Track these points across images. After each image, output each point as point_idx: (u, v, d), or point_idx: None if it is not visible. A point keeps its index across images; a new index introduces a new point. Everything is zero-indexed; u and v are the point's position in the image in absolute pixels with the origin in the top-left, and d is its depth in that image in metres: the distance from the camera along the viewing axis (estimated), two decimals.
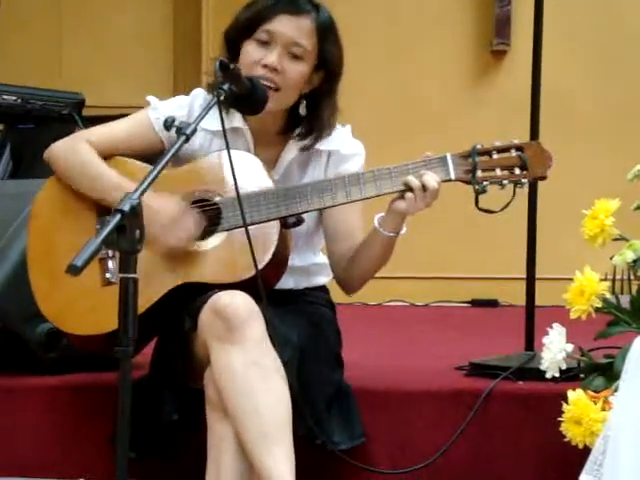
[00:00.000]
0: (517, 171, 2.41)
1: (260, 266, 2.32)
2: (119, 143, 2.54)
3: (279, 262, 2.43)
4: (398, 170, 2.41)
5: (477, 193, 2.39)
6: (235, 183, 2.28)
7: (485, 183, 2.39)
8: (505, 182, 2.40)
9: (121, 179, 2.46)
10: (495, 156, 2.41)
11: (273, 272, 2.42)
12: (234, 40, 2.51)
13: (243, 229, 2.32)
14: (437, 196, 2.39)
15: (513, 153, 2.41)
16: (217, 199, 2.44)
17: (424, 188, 2.38)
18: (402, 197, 2.40)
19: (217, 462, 2.30)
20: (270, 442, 2.24)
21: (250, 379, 2.26)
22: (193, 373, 2.38)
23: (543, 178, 2.45)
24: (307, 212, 2.45)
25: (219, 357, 2.28)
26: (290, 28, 2.46)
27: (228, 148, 2.28)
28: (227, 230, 2.42)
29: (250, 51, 2.47)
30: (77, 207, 2.53)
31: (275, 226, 2.40)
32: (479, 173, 2.39)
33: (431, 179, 2.38)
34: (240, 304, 2.30)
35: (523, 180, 2.40)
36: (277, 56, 2.45)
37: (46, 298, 2.50)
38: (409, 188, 2.39)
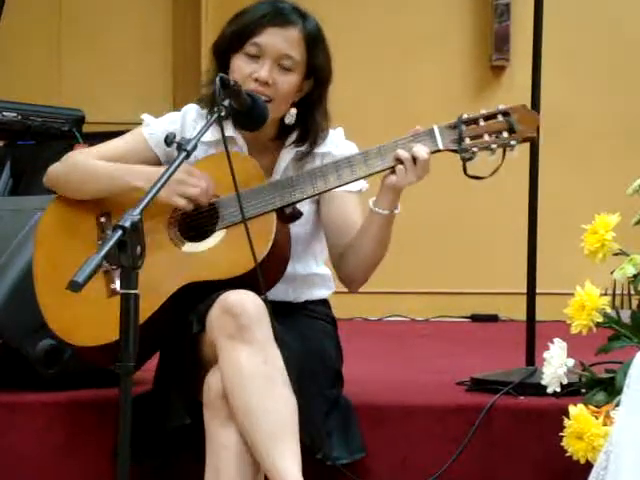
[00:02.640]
0: (505, 134, 2.41)
1: (259, 259, 2.32)
2: (114, 161, 2.56)
3: (278, 256, 2.43)
4: (387, 147, 2.44)
5: (464, 160, 2.40)
6: (233, 178, 2.28)
7: (474, 149, 2.40)
8: (494, 146, 2.41)
9: (133, 167, 2.49)
10: (482, 123, 2.42)
11: (272, 267, 2.42)
12: (223, 53, 2.53)
13: (240, 226, 2.33)
14: (428, 168, 2.41)
15: (500, 118, 2.42)
16: (213, 200, 2.46)
17: (414, 160, 2.39)
18: (393, 172, 2.42)
19: (216, 469, 2.30)
20: (279, 441, 2.25)
21: (259, 378, 2.27)
22: (201, 377, 2.37)
23: (532, 139, 2.45)
24: (302, 200, 2.46)
25: (228, 355, 2.29)
26: (279, 41, 2.48)
27: (228, 154, 2.28)
28: (225, 228, 2.44)
29: (240, 65, 2.48)
30: (80, 224, 2.54)
31: (272, 218, 2.42)
32: (467, 141, 2.41)
33: (421, 150, 2.40)
34: (250, 303, 2.31)
35: (512, 142, 2.41)
36: (268, 70, 2.47)
37: (54, 314, 2.50)
38: (399, 161, 2.40)
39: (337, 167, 2.44)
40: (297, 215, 2.47)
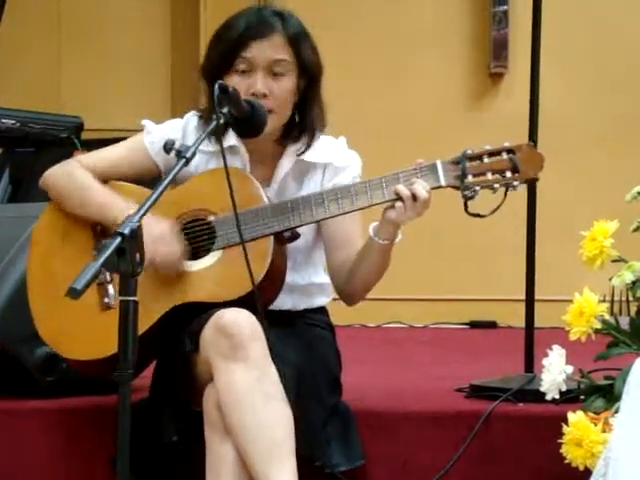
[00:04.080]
0: (508, 174, 2.39)
1: (257, 281, 2.31)
2: (114, 168, 2.56)
3: (275, 277, 2.43)
4: (389, 179, 2.41)
5: (465, 198, 2.39)
6: (232, 200, 2.28)
7: (477, 188, 2.38)
8: (497, 186, 2.38)
9: (120, 200, 2.47)
10: (486, 160, 2.40)
11: (269, 288, 2.42)
12: (213, 77, 2.50)
13: (237, 247, 2.32)
14: (428, 205, 2.39)
15: (504, 156, 2.40)
16: (211, 218, 2.45)
17: (414, 197, 2.38)
18: (393, 206, 2.40)
19: None
20: (275, 459, 2.25)
21: (254, 396, 2.27)
22: (194, 395, 2.38)
23: (535, 180, 2.43)
24: (301, 226, 2.45)
25: (223, 374, 2.29)
26: (265, 50, 2.48)
27: (227, 170, 2.28)
28: (222, 248, 2.43)
29: (235, 83, 2.47)
30: (75, 233, 2.54)
31: (269, 241, 2.41)
32: (470, 178, 2.38)
33: (421, 188, 2.37)
34: (244, 321, 2.31)
35: (515, 183, 2.39)
36: (262, 81, 2.47)
37: (45, 322, 2.51)
38: (399, 198, 2.39)
39: (338, 196, 2.42)
40: (295, 237, 2.46)
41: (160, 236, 2.39)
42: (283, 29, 2.50)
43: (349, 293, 2.56)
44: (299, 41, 2.51)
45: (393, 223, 2.41)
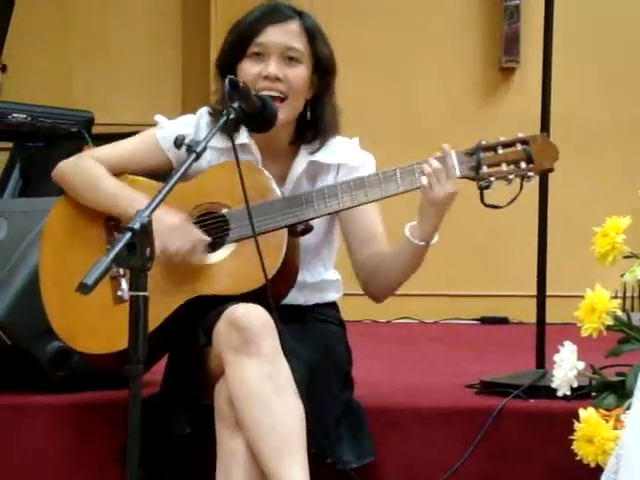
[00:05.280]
0: (523, 165, 2.38)
1: (270, 275, 2.31)
2: (126, 161, 2.56)
3: (289, 271, 2.42)
4: (403, 171, 2.41)
5: (480, 189, 2.38)
6: (244, 192, 2.27)
7: (491, 179, 2.37)
8: (511, 177, 2.38)
9: (134, 192, 2.48)
10: (500, 151, 2.39)
11: (283, 282, 2.42)
12: (228, 65, 2.51)
13: (250, 240, 2.32)
14: (454, 175, 2.35)
15: (519, 147, 2.39)
16: (224, 211, 2.45)
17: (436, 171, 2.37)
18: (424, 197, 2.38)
19: (227, 476, 2.30)
20: (286, 454, 2.25)
21: (266, 391, 2.27)
22: (206, 388, 2.37)
23: (550, 170, 2.42)
24: (315, 218, 2.45)
25: (234, 369, 2.28)
26: (280, 35, 2.48)
27: (238, 164, 2.28)
28: (235, 241, 2.43)
29: (247, 68, 2.48)
30: (87, 227, 2.54)
31: (283, 234, 2.41)
32: (484, 169, 2.38)
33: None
34: (256, 316, 2.30)
35: (530, 174, 2.38)
36: (275, 65, 2.47)
37: (59, 317, 2.51)
38: (426, 175, 2.37)
39: (351, 187, 2.42)
40: (308, 230, 2.46)
41: (174, 227, 2.39)
42: (300, 20, 2.51)
43: (376, 292, 2.55)
44: (315, 34, 2.52)
45: (432, 209, 2.38)
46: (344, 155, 2.57)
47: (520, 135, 2.41)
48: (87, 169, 2.54)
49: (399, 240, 2.48)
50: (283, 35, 2.48)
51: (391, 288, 2.54)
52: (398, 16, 4.98)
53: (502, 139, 2.41)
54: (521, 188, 2.37)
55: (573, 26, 4.72)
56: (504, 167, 2.38)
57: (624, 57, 4.90)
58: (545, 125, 2.85)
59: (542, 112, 2.86)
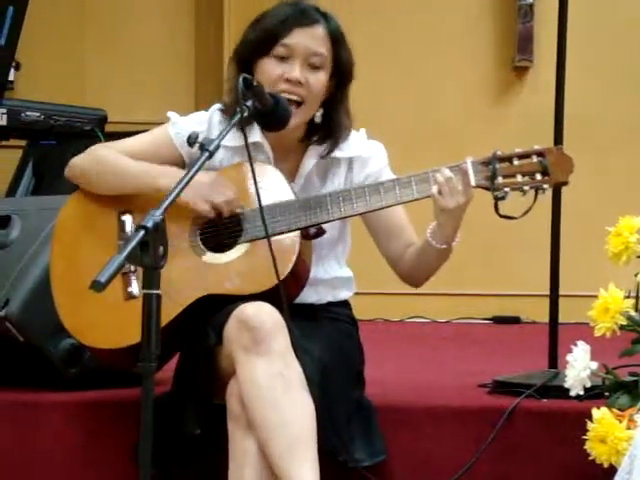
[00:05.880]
0: (538, 177, 2.39)
1: (282, 276, 2.32)
2: (138, 157, 2.55)
3: (300, 273, 2.43)
4: (419, 177, 2.42)
5: (496, 199, 2.38)
6: (257, 194, 2.28)
7: (506, 189, 2.38)
8: (526, 188, 2.38)
9: (160, 167, 2.47)
10: (516, 162, 2.40)
11: (294, 283, 2.42)
12: (247, 59, 2.52)
13: (263, 241, 2.32)
14: (469, 183, 2.37)
15: (534, 159, 2.40)
16: (238, 211, 2.45)
17: (449, 180, 2.38)
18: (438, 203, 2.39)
19: (239, 476, 2.30)
20: (296, 454, 2.25)
21: (276, 391, 2.27)
22: (217, 387, 2.38)
23: (565, 183, 2.43)
24: (328, 222, 2.46)
25: (245, 368, 2.29)
26: (307, 39, 2.48)
27: (251, 163, 2.28)
28: (248, 242, 2.43)
29: (270, 68, 2.48)
30: (99, 224, 2.54)
31: (296, 237, 2.41)
32: (500, 179, 2.38)
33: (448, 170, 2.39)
34: (266, 315, 2.30)
35: (545, 186, 2.39)
36: (299, 69, 2.47)
37: (69, 313, 2.51)
38: (439, 185, 2.38)
39: (366, 193, 2.43)
40: (321, 233, 2.46)
41: (212, 183, 2.41)
42: (325, 23, 2.51)
43: (412, 282, 2.59)
44: (338, 40, 2.52)
45: (446, 216, 2.39)
46: (355, 148, 2.57)
47: (536, 147, 2.42)
48: (104, 156, 2.54)
49: (423, 236, 2.49)
50: (309, 39, 2.48)
51: (425, 278, 2.57)
52: (412, 15, 4.97)
53: (518, 150, 2.41)
54: (535, 199, 2.38)
55: (587, 25, 4.71)
56: (519, 178, 2.39)
57: (639, 56, 4.88)
58: (558, 124, 2.84)
59: (555, 111, 2.85)
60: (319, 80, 2.49)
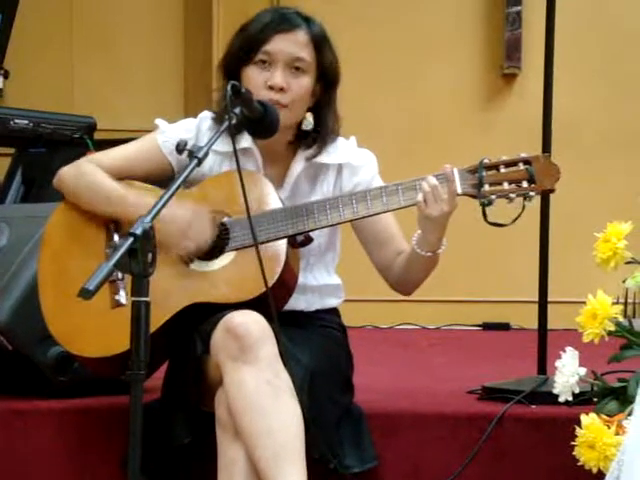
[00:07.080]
0: (525, 184, 2.40)
1: (269, 284, 2.31)
2: (127, 166, 2.55)
3: (287, 281, 2.43)
4: (406, 186, 2.43)
5: (483, 206, 2.39)
6: (245, 203, 2.28)
7: (492, 197, 2.39)
8: (513, 196, 2.39)
9: (136, 196, 2.48)
10: (503, 170, 2.41)
11: (281, 291, 2.42)
12: (232, 68, 2.52)
13: (250, 249, 2.32)
14: (453, 192, 2.37)
15: (521, 166, 2.41)
16: (225, 219, 2.45)
17: (433, 188, 2.39)
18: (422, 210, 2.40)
19: None
20: (283, 461, 2.25)
21: (263, 398, 2.27)
22: (205, 396, 2.38)
23: (551, 191, 2.44)
24: (315, 230, 2.46)
25: (232, 377, 2.28)
26: (288, 45, 2.48)
27: (239, 171, 2.28)
28: (235, 250, 2.43)
29: (252, 75, 2.48)
30: (87, 232, 2.54)
31: (283, 245, 2.41)
32: (486, 187, 2.39)
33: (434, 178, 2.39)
34: (253, 323, 2.30)
35: (531, 193, 2.40)
36: (281, 75, 2.47)
37: (56, 321, 2.50)
38: (425, 192, 2.39)
39: (353, 201, 2.43)
40: (308, 241, 2.47)
41: (187, 224, 2.40)
42: (308, 28, 2.51)
43: (402, 290, 2.60)
44: (321, 44, 2.52)
45: (430, 224, 2.40)
46: (344, 155, 2.58)
47: (523, 155, 2.43)
48: (88, 175, 2.54)
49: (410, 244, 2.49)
50: (290, 45, 2.48)
51: (415, 286, 2.57)
52: (400, 23, 4.98)
53: (504, 158, 2.42)
54: (523, 207, 2.38)
55: (574, 33, 4.73)
56: (506, 186, 2.40)
57: (625, 63, 4.90)
58: (546, 131, 2.85)
59: (543, 118, 2.86)
60: (302, 85, 2.49)
